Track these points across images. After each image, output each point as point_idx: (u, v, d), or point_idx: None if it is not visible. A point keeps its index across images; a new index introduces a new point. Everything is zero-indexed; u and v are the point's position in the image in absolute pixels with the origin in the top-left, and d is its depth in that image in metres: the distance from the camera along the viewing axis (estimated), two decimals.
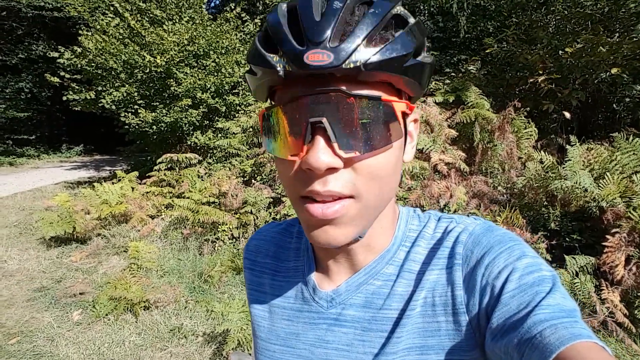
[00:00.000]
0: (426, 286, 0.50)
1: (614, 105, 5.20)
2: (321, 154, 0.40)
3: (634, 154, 3.26)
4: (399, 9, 0.43)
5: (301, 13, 0.41)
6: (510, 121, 4.20)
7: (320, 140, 0.40)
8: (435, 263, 0.51)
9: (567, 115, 4.58)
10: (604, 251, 2.74)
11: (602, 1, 5.08)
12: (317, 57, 0.38)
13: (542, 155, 3.59)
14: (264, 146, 0.47)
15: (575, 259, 2.88)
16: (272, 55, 0.41)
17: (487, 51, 5.83)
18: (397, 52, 0.40)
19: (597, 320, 2.59)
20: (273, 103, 0.47)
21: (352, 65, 0.38)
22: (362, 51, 0.39)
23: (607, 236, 2.78)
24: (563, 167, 3.36)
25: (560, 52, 4.95)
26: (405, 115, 0.46)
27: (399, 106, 0.43)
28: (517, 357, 0.38)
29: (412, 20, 0.43)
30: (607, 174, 3.16)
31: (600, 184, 3.14)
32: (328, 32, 0.39)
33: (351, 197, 0.43)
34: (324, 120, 0.40)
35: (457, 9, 8.07)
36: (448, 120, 4.48)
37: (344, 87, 0.40)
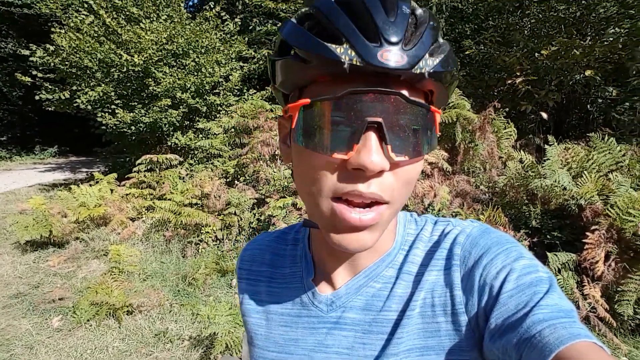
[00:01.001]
0: (425, 287, 0.50)
1: (588, 106, 5.40)
2: (376, 154, 0.40)
3: (609, 153, 3.39)
4: (440, 28, 0.45)
5: (371, 8, 0.40)
6: (490, 121, 4.30)
7: (374, 141, 0.40)
8: (434, 264, 0.51)
9: (544, 115, 4.73)
10: (584, 248, 2.84)
11: (574, 6, 5.28)
12: (391, 57, 0.38)
13: (522, 155, 3.69)
14: (294, 141, 0.45)
15: (557, 255, 2.97)
16: (334, 45, 0.39)
17: (466, 53, 5.95)
18: (450, 66, 0.43)
19: (580, 316, 2.68)
20: (299, 96, 0.46)
21: (419, 71, 0.39)
22: (427, 59, 0.40)
23: (587, 233, 2.88)
24: (542, 166, 3.46)
25: (536, 54, 5.10)
26: None
27: (438, 117, 0.45)
28: (515, 356, 0.39)
29: (442, 40, 0.45)
30: (585, 172, 3.28)
31: (578, 182, 3.25)
32: (401, 34, 0.39)
33: (386, 202, 0.43)
34: (382, 121, 0.40)
35: (435, 12, 8.19)
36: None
37: (403, 91, 0.41)
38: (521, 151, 3.85)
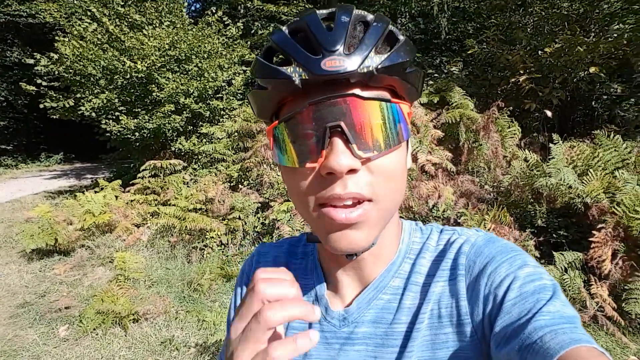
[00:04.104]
0: (432, 298, 0.51)
1: (592, 103, 5.35)
2: (342, 156, 0.41)
3: (615, 150, 3.35)
4: (391, 27, 0.47)
5: (312, 26, 0.44)
6: (494, 120, 4.27)
7: (339, 143, 0.42)
8: (440, 275, 0.52)
9: (549, 113, 4.69)
10: (591, 246, 2.80)
11: (577, 2, 5.23)
12: (334, 63, 0.41)
13: (527, 154, 3.66)
14: (276, 160, 0.48)
15: (563, 255, 2.94)
16: (284, 67, 0.43)
17: (468, 52, 5.91)
18: (401, 58, 0.44)
19: (588, 315, 2.65)
20: (278, 120, 0.48)
21: (365, 70, 0.42)
22: (373, 57, 0.42)
23: (594, 231, 2.84)
24: (547, 165, 3.42)
25: (539, 52, 5.06)
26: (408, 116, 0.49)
27: (405, 107, 0.46)
28: None
29: (402, 37, 0.47)
30: (590, 170, 3.24)
31: (583, 181, 3.21)
32: (341, 41, 0.42)
33: (370, 200, 0.44)
34: (342, 123, 0.42)
35: (437, 11, 8.17)
36: (433, 121, 4.52)
37: (357, 91, 0.43)
38: (526, 150, 3.82)
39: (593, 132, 3.64)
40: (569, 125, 5.52)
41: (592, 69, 4.42)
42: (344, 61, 0.41)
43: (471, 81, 5.92)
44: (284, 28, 0.47)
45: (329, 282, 0.58)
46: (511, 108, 4.70)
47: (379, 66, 0.42)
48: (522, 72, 4.95)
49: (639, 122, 4.74)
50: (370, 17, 0.46)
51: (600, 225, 2.89)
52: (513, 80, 4.94)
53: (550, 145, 3.57)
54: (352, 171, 0.42)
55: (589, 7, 5.11)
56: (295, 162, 0.45)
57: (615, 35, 4.56)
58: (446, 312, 0.49)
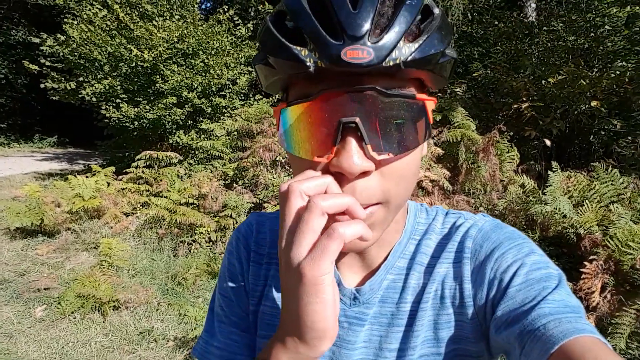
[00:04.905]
0: (437, 279, 0.50)
1: (591, 137, 5.41)
2: (355, 157, 0.38)
3: (611, 184, 3.37)
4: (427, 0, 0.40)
5: (333, 1, 0.37)
6: (494, 144, 4.30)
7: (352, 142, 0.38)
8: (445, 256, 0.51)
9: (548, 142, 4.74)
10: (581, 277, 2.80)
11: (582, 37, 5.34)
12: (356, 54, 0.35)
13: (524, 179, 3.68)
14: (282, 145, 0.43)
15: None
16: (299, 48, 0.37)
17: (474, 75, 5.99)
18: (434, 48, 0.38)
19: None
20: (287, 97, 0.45)
21: (391, 63, 0.36)
22: (402, 47, 0.37)
23: (585, 262, 2.85)
24: (543, 192, 3.44)
25: (543, 81, 5.13)
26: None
27: (430, 104, 0.41)
28: (518, 347, 0.39)
29: (437, 10, 0.41)
30: (586, 201, 3.26)
31: (578, 211, 3.23)
32: (367, 26, 0.36)
33: (379, 203, 0.42)
34: (358, 120, 0.37)
35: None
36: (434, 138, 4.54)
37: (379, 86, 0.37)
38: (523, 175, 3.84)
39: (592, 164, 3.68)
40: (565, 156, 5.58)
41: (593, 103, 4.48)
42: (368, 52, 0.35)
43: (474, 103, 5.98)
44: None
45: (337, 258, 0.56)
46: (511, 134, 4.75)
47: (409, 59, 0.37)
48: (524, 99, 5.01)
49: (634, 160, 4.80)
50: None
51: (591, 257, 2.89)
52: (515, 106, 5.00)
53: (549, 172, 3.60)
54: (363, 174, 0.39)
55: (593, 42, 5.21)
56: (302, 152, 0.41)
57: (618, 72, 4.65)
58: (449, 294, 0.49)
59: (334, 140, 0.38)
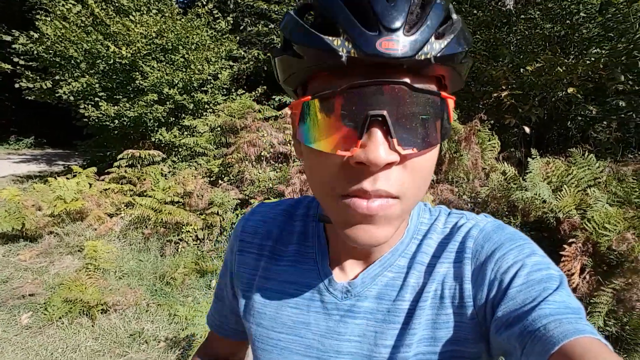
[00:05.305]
0: (437, 279, 0.51)
1: (568, 123, 5.55)
2: (381, 148, 0.38)
3: (588, 168, 3.48)
4: (450, 5, 0.42)
5: None
6: (475, 132, 4.37)
7: (379, 134, 0.38)
8: (446, 256, 0.52)
9: (527, 129, 4.84)
10: (561, 260, 2.90)
11: (559, 25, 5.43)
12: (391, 45, 0.36)
13: (505, 167, 3.76)
14: (300, 139, 0.43)
15: None
16: (330, 37, 0.38)
17: None
18: (461, 47, 0.40)
19: None
20: (304, 93, 0.45)
21: (423, 57, 0.37)
22: (433, 43, 0.38)
23: (564, 246, 2.94)
24: (524, 179, 3.53)
25: (521, 69, 5.22)
26: None
27: (451, 102, 0.42)
28: (519, 347, 0.39)
29: (455, 16, 0.42)
30: (565, 186, 3.36)
31: (557, 196, 3.33)
32: (402, 19, 0.37)
33: (396, 197, 0.42)
34: (386, 113, 0.38)
35: None
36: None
37: (408, 80, 0.38)
38: (504, 163, 3.92)
39: (569, 150, 3.78)
40: (544, 142, 5.71)
41: (570, 90, 4.58)
42: (403, 44, 0.36)
43: (455, 93, 6.04)
44: None
45: (333, 251, 0.57)
46: (492, 122, 4.83)
47: (439, 54, 0.38)
48: (504, 87, 5.09)
49: (609, 144, 4.95)
50: None
51: (570, 240, 2.99)
52: (495, 95, 5.07)
53: (528, 159, 3.68)
54: (387, 166, 0.40)
55: (569, 30, 5.31)
56: (325, 146, 0.41)
57: (593, 59, 4.76)
58: (449, 294, 0.49)
59: (360, 133, 0.38)
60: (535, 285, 0.43)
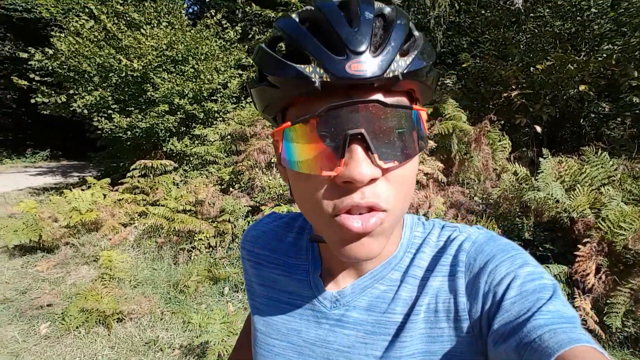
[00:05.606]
0: (430, 292, 0.50)
1: (581, 121, 5.46)
2: (363, 165, 0.40)
3: (602, 167, 3.41)
4: (411, 23, 0.45)
5: (332, 19, 0.41)
6: (485, 133, 4.33)
7: (360, 151, 0.40)
8: (439, 270, 0.51)
9: (538, 129, 4.77)
10: (576, 260, 2.84)
11: (569, 22, 5.36)
12: (359, 67, 0.38)
13: (516, 167, 3.72)
14: (285, 165, 0.45)
15: (549, 267, 2.98)
16: (302, 65, 0.40)
17: (463, 65, 6.01)
18: (425, 61, 0.43)
19: None
20: (283, 120, 0.46)
21: (391, 75, 0.40)
22: (399, 61, 0.40)
23: (579, 246, 2.89)
24: (536, 179, 3.48)
25: (531, 68, 5.16)
26: None
27: (423, 114, 0.45)
28: (516, 359, 0.39)
29: (417, 33, 0.44)
30: (578, 185, 3.30)
31: (571, 196, 3.27)
32: (366, 42, 0.39)
33: (384, 210, 0.43)
34: (364, 131, 0.40)
35: (434, 24, 8.30)
36: (426, 131, 4.57)
37: (380, 97, 0.41)
38: (515, 163, 3.88)
39: (581, 148, 3.71)
40: (556, 141, 5.62)
41: (581, 87, 4.51)
42: (370, 65, 0.38)
43: (464, 94, 6.00)
44: (293, 16, 0.44)
45: (325, 264, 0.58)
46: (502, 122, 4.78)
47: (405, 71, 0.40)
48: (514, 87, 5.04)
49: (623, 141, 4.85)
50: (387, 10, 0.43)
51: (585, 240, 2.94)
52: (505, 95, 5.02)
53: (540, 159, 3.63)
54: (371, 181, 0.41)
55: (580, 27, 5.24)
56: (309, 169, 0.42)
57: (605, 55, 4.68)
58: (443, 307, 0.49)
59: (342, 152, 0.40)
60: (528, 296, 0.43)
